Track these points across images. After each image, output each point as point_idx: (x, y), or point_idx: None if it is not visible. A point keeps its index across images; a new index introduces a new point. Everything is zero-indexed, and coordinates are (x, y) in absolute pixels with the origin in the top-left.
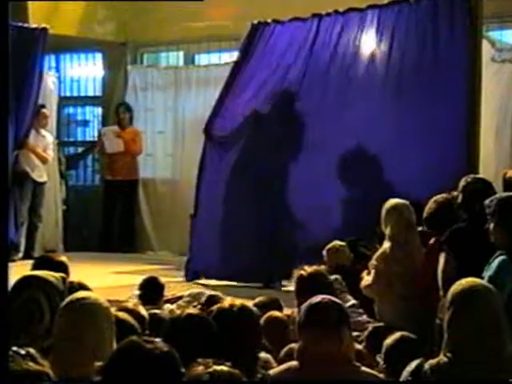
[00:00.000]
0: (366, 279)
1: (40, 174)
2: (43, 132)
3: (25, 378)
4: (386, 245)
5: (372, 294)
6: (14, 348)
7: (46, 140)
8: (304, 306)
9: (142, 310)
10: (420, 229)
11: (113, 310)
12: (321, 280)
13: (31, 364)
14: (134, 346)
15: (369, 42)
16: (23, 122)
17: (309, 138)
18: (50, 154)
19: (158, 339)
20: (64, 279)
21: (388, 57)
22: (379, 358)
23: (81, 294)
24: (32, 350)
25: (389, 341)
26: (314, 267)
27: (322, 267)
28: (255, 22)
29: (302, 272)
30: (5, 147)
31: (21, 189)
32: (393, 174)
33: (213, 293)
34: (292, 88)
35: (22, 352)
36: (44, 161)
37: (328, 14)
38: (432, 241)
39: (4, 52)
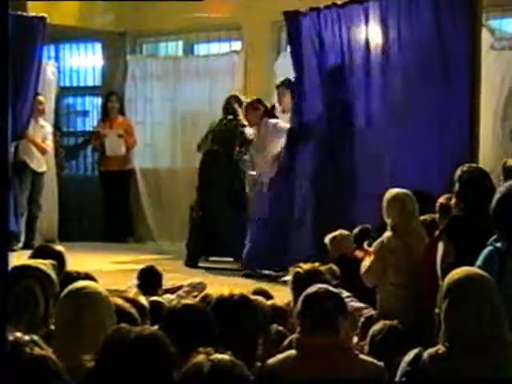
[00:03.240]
0: (363, 265)
1: (39, 164)
2: (42, 122)
3: (30, 363)
4: (386, 234)
5: (366, 281)
6: (18, 334)
7: (44, 130)
8: (301, 296)
9: (143, 300)
10: (424, 218)
11: (113, 299)
12: (317, 277)
13: (36, 349)
14: (124, 330)
15: (371, 34)
16: (22, 112)
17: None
18: (49, 144)
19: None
20: (54, 266)
21: (390, 47)
22: (366, 346)
23: (81, 283)
24: (35, 337)
25: (373, 329)
26: (310, 264)
27: (317, 264)
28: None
29: (299, 269)
30: (4, 139)
31: (20, 179)
32: (408, 165)
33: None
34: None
35: (26, 338)
36: (43, 151)
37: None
38: (438, 230)
39: (4, 46)
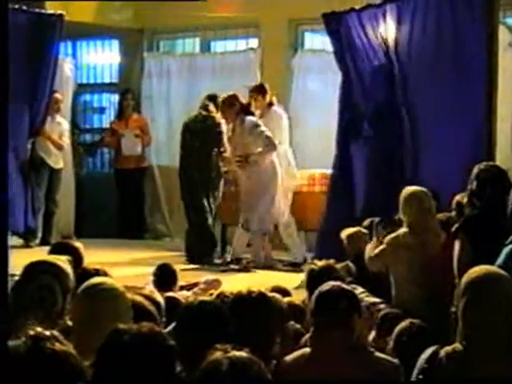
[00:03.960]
0: (369, 248)
1: (56, 161)
2: (58, 118)
3: (52, 358)
4: (402, 230)
5: (370, 264)
6: (39, 329)
7: (61, 127)
8: (314, 293)
9: (159, 297)
10: (439, 216)
11: (132, 296)
12: (332, 274)
13: (57, 344)
14: (122, 329)
15: (397, 33)
16: (39, 109)
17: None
18: (66, 140)
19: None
20: (70, 261)
21: (414, 46)
22: (390, 341)
23: (97, 279)
24: (55, 332)
25: (399, 328)
26: (326, 261)
27: (332, 261)
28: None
29: (313, 266)
30: (4, 145)
31: (37, 175)
32: (427, 163)
33: None
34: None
35: (47, 333)
36: (59, 147)
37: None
38: (454, 228)
39: (4, 46)
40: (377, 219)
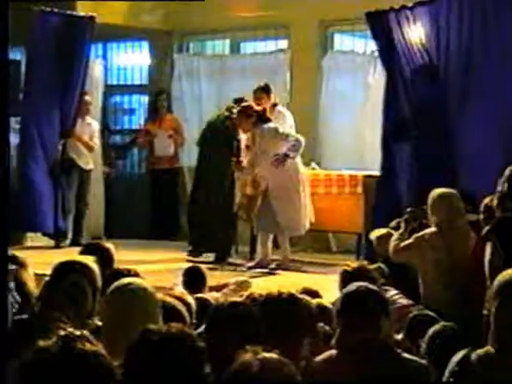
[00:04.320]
0: (394, 239)
1: (86, 162)
2: (89, 120)
3: (82, 357)
4: (430, 230)
5: (394, 256)
6: (70, 329)
7: (91, 128)
8: (341, 293)
9: (190, 298)
10: (470, 217)
11: (163, 297)
12: (365, 275)
13: (88, 345)
14: (151, 329)
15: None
16: (69, 110)
17: None
18: (96, 141)
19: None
20: (97, 261)
21: (464, 45)
22: (423, 344)
23: (127, 279)
24: (86, 332)
25: (432, 330)
26: (359, 262)
27: (366, 263)
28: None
29: (346, 267)
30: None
31: (68, 176)
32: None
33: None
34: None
35: (77, 333)
36: (90, 149)
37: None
38: (484, 230)
39: (4, 45)
40: (408, 210)
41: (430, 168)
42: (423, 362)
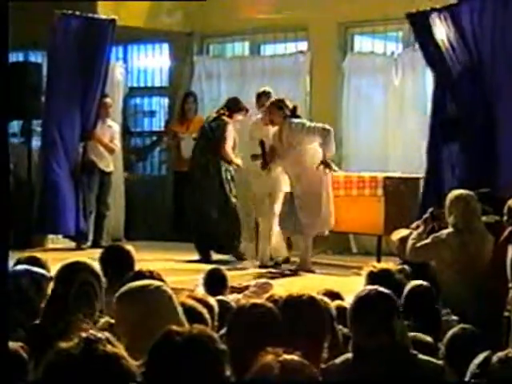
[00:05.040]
0: (412, 238)
1: (107, 164)
2: (109, 122)
3: (104, 359)
4: (447, 230)
5: (410, 255)
6: (92, 331)
7: (112, 130)
8: (353, 298)
9: (211, 300)
10: (489, 218)
11: (184, 299)
12: (390, 277)
13: (109, 347)
14: (173, 330)
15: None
16: (90, 113)
17: None
18: (117, 144)
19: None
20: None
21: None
22: (441, 346)
23: (146, 281)
24: (107, 334)
25: (452, 332)
26: (385, 264)
27: (391, 264)
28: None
29: (372, 268)
30: (5, 147)
31: (89, 178)
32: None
33: None
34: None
35: (99, 335)
36: (110, 151)
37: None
38: (507, 232)
39: (4, 46)
40: (430, 209)
41: (475, 168)
42: (439, 362)
